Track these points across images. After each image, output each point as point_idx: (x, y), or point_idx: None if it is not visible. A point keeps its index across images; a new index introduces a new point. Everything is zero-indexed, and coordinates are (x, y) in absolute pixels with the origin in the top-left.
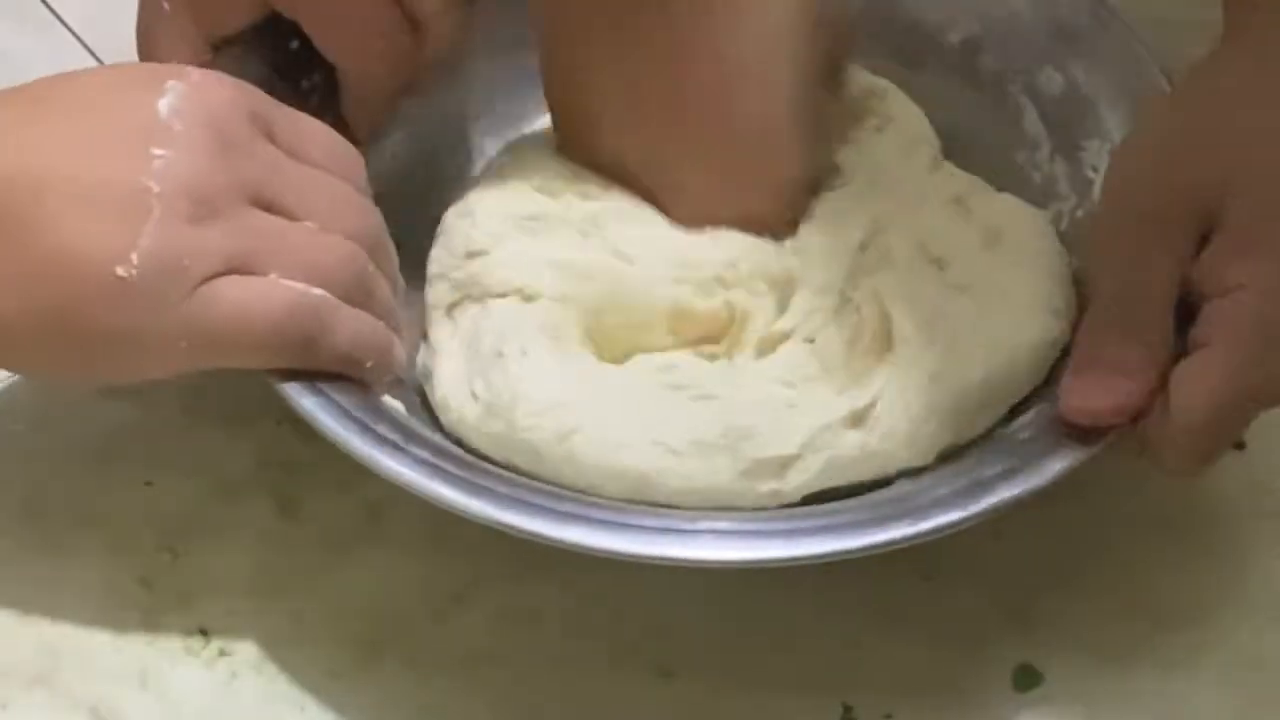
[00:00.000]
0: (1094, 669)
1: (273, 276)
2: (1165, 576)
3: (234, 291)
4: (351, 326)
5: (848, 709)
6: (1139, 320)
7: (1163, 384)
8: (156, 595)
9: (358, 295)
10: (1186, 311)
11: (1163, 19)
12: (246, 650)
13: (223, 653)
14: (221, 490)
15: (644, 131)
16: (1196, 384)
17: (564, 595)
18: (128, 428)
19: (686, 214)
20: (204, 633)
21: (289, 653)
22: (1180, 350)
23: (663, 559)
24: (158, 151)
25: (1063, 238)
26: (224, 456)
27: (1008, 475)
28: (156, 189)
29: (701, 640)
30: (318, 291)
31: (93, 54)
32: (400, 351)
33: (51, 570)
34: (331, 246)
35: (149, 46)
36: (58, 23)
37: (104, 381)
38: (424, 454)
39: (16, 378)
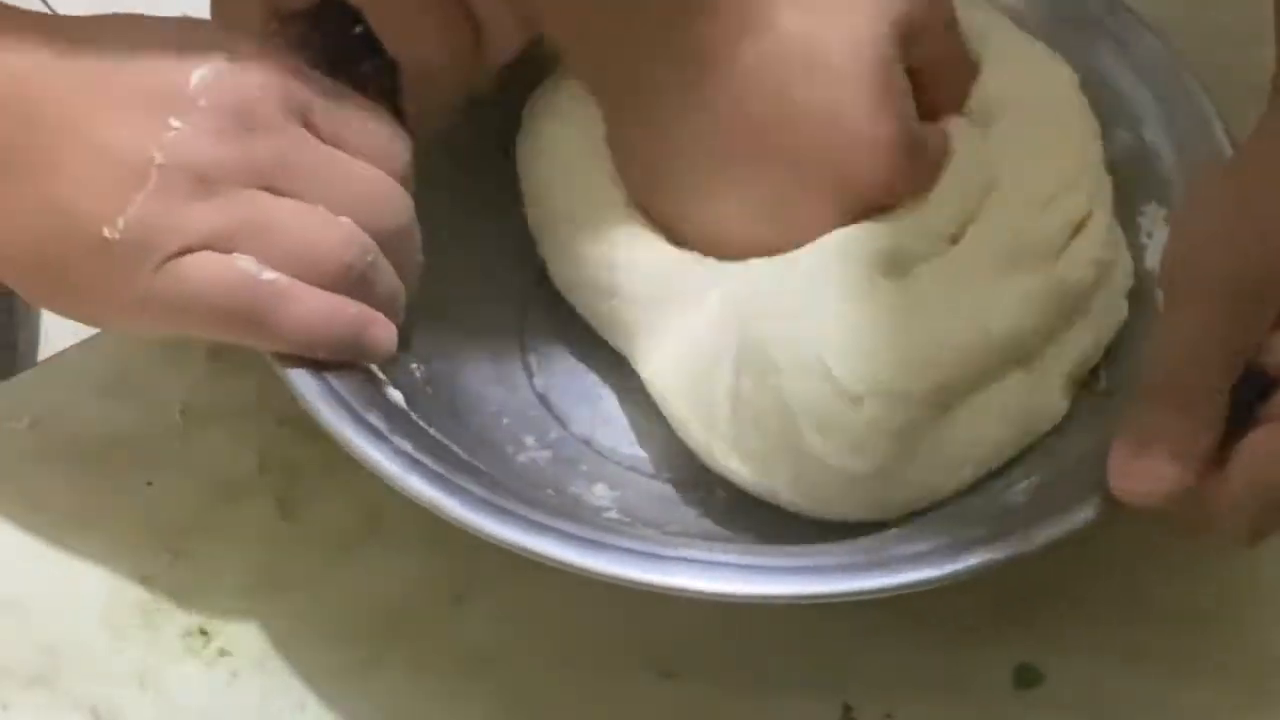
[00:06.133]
0: (1094, 669)
1: (234, 256)
2: (1165, 576)
3: (193, 269)
4: (302, 312)
5: (848, 709)
6: (1198, 398)
7: (1215, 457)
8: (156, 595)
9: (351, 283)
10: (1254, 383)
11: (1160, 19)
12: (246, 650)
13: (223, 653)
14: (222, 490)
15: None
16: (1270, 457)
17: (564, 595)
18: (128, 428)
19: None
20: (204, 633)
21: (289, 653)
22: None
23: (636, 582)
24: (174, 123)
25: None
26: (224, 456)
27: (991, 539)
28: (160, 160)
29: (701, 640)
30: (270, 275)
31: None
32: (382, 341)
33: (51, 570)
34: (328, 233)
35: (220, 6)
36: None
37: (83, 322)
38: (408, 447)
39: (16, 377)
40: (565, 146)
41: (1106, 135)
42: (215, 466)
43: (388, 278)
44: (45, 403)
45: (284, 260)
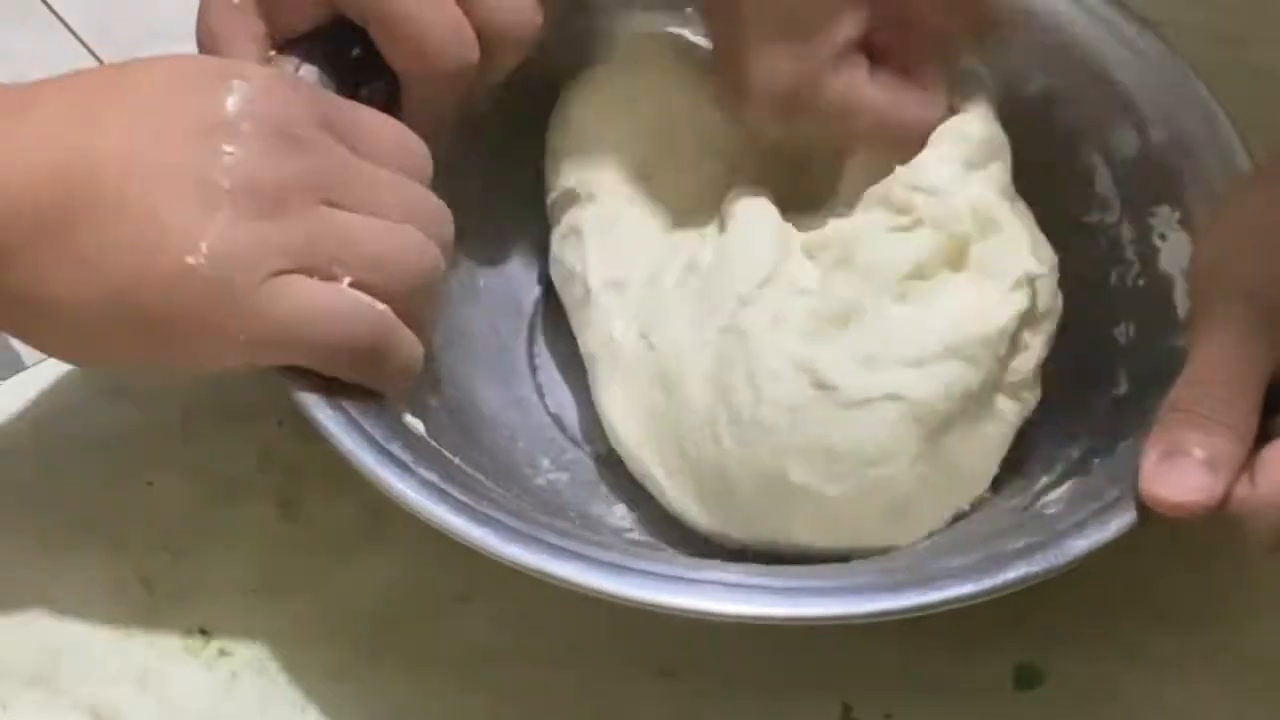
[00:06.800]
0: (1094, 669)
1: (344, 283)
2: (1165, 576)
3: (301, 292)
4: (408, 348)
5: (847, 709)
6: (1232, 409)
7: (1246, 464)
8: (156, 595)
9: (425, 294)
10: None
11: (1160, 19)
12: (246, 650)
13: (223, 653)
14: (222, 490)
15: None
16: None
17: (564, 595)
18: (128, 428)
19: None
20: (204, 633)
21: (289, 653)
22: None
23: (665, 608)
24: (227, 149)
25: (1119, 303)
26: (224, 456)
27: (1026, 552)
28: (226, 184)
29: (701, 640)
30: (381, 307)
31: (93, 54)
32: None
33: (51, 570)
34: (402, 242)
35: (212, 39)
36: (58, 23)
37: (166, 370)
38: (433, 477)
39: (16, 377)
40: (595, 130)
41: (1114, 137)
42: (215, 466)
43: (440, 294)
44: (45, 403)
45: (368, 270)
